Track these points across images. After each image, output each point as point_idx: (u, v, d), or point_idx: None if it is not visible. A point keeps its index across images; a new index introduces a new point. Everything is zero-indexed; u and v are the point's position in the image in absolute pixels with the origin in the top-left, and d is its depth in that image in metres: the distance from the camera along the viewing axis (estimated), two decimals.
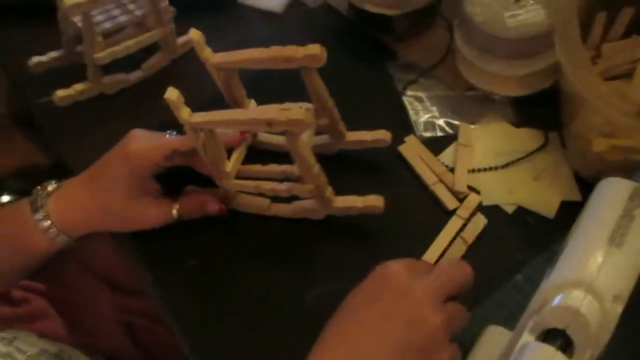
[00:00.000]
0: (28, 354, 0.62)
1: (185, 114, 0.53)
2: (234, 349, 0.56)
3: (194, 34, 0.56)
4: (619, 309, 0.33)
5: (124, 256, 0.66)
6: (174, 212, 0.60)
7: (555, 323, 0.33)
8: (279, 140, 0.65)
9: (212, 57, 0.57)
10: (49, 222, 0.59)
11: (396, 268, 0.48)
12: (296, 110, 0.49)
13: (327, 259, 0.61)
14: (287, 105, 0.62)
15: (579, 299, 0.33)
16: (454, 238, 0.60)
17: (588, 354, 0.33)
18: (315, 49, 0.53)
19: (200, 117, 0.53)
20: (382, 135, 0.64)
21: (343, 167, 0.66)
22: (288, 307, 0.58)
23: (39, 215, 0.59)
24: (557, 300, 0.33)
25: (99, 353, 0.71)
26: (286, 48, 0.54)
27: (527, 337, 0.34)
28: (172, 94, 0.52)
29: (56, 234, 0.60)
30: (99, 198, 0.59)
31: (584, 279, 0.33)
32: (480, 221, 0.61)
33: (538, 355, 0.32)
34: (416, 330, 0.45)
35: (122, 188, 0.58)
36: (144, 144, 0.58)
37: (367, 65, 0.75)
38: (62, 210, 0.59)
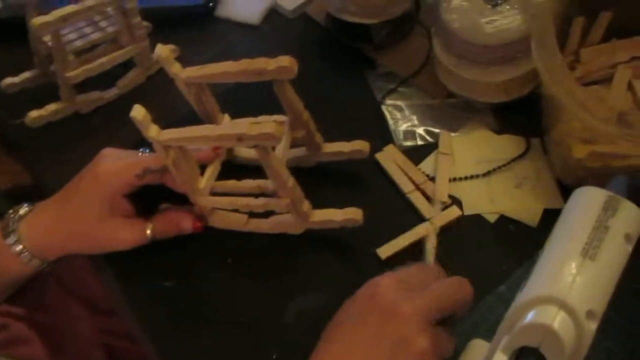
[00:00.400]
0: None
1: (152, 132, 0.51)
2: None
3: (160, 50, 0.55)
4: (593, 325, 0.32)
5: (100, 276, 0.65)
6: (148, 232, 0.58)
7: (527, 341, 0.32)
8: (255, 154, 0.64)
9: (181, 73, 0.56)
10: (20, 246, 0.58)
11: (385, 285, 0.46)
12: (266, 124, 0.48)
13: (307, 272, 0.60)
14: (261, 118, 0.61)
15: (551, 315, 0.31)
16: (418, 241, 0.59)
17: None
18: (285, 61, 0.52)
19: (169, 134, 0.52)
20: (360, 146, 0.62)
21: (322, 179, 0.64)
22: (268, 323, 0.57)
23: (11, 240, 0.58)
24: (529, 317, 0.32)
25: None
26: (256, 61, 0.53)
27: (499, 356, 0.32)
28: (138, 112, 0.50)
29: (29, 259, 0.58)
30: (70, 220, 0.57)
31: (556, 295, 0.32)
32: (455, 212, 0.60)
33: None
34: (403, 353, 0.43)
35: (92, 209, 0.56)
36: (115, 163, 0.57)
37: (345, 74, 0.74)
38: (34, 233, 0.58)
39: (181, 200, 0.61)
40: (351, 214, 0.57)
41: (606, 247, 0.33)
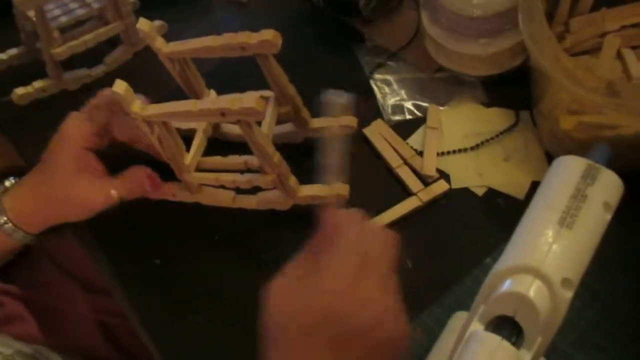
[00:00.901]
0: (4, 354, 0.61)
1: (135, 107, 0.51)
2: (202, 348, 0.55)
3: (142, 24, 0.54)
4: (569, 294, 0.31)
5: (90, 255, 0.65)
6: (113, 192, 0.58)
7: (504, 310, 0.32)
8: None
9: (164, 47, 0.55)
10: (4, 218, 0.59)
11: (274, 291, 0.42)
12: (249, 98, 0.48)
13: (295, 248, 0.59)
14: (246, 94, 0.60)
15: (526, 284, 0.31)
16: (403, 216, 0.59)
17: (539, 341, 0.31)
18: (268, 35, 0.51)
19: (152, 109, 0.51)
20: (348, 121, 0.62)
21: (309, 155, 0.64)
22: (256, 299, 0.57)
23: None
24: (505, 286, 0.32)
25: (76, 354, 0.70)
26: (239, 35, 0.52)
27: (476, 325, 0.32)
28: (120, 87, 0.50)
29: (12, 230, 0.59)
30: (44, 185, 0.59)
31: (532, 264, 0.31)
32: (442, 186, 0.60)
33: (484, 345, 0.30)
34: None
35: (62, 169, 0.58)
36: (77, 122, 0.58)
37: (334, 49, 0.73)
38: (15, 204, 0.59)
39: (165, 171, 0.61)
40: (338, 190, 0.57)
41: (584, 216, 0.33)
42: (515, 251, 0.33)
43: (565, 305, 0.31)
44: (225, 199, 0.60)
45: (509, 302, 0.31)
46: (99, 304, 0.74)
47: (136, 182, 0.60)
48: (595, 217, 0.33)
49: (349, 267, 0.40)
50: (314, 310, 0.39)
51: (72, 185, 0.58)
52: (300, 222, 0.60)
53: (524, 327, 0.31)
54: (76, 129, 0.58)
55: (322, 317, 0.38)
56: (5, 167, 1.05)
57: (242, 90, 0.63)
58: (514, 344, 0.31)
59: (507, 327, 0.31)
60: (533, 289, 0.31)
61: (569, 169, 0.36)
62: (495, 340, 0.30)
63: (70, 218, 0.61)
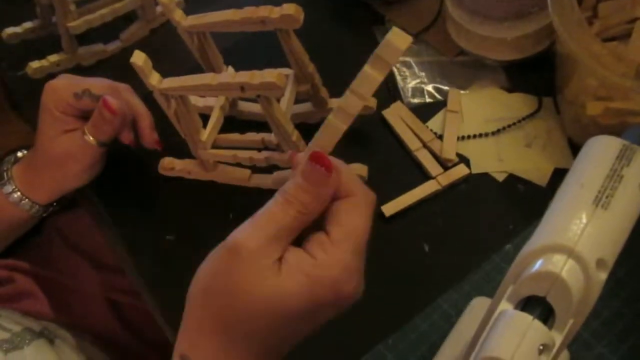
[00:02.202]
0: (12, 331, 0.60)
1: (153, 79, 0.50)
2: None
3: None
4: (603, 275, 0.30)
5: (103, 231, 0.64)
6: (89, 138, 0.58)
7: (534, 290, 0.31)
8: (259, 109, 0.62)
9: (183, 21, 0.54)
10: (12, 187, 0.60)
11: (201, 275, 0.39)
12: (269, 73, 0.47)
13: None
14: (265, 71, 0.59)
15: (559, 263, 0.30)
16: (423, 200, 0.58)
17: (570, 322, 0.30)
18: (290, 9, 0.50)
19: (170, 82, 0.50)
20: (368, 102, 0.61)
21: None
22: None
23: (8, 188, 0.60)
24: (537, 265, 0.31)
25: (85, 331, 0.70)
26: (260, 8, 0.51)
27: (505, 305, 0.31)
28: (138, 58, 0.49)
29: (19, 199, 0.60)
30: (37, 152, 0.59)
31: (565, 243, 0.30)
32: (462, 170, 0.59)
33: (515, 324, 0.29)
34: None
35: (45, 130, 0.58)
36: (62, 80, 0.58)
37: (354, 30, 0.72)
38: (23, 174, 0.60)
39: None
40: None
41: (619, 197, 0.32)
42: (548, 230, 0.32)
43: (598, 287, 0.30)
44: (241, 177, 0.59)
45: (541, 282, 0.30)
46: (109, 282, 0.74)
47: (97, 114, 0.58)
48: (630, 199, 0.32)
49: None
50: None
51: (54, 144, 0.58)
52: None
53: (556, 308, 0.30)
54: (52, 95, 0.58)
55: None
56: (18, 145, 1.05)
57: (258, 67, 0.62)
58: (545, 324, 0.30)
59: (537, 307, 0.30)
60: (566, 269, 0.30)
61: (604, 149, 0.34)
62: (527, 320, 0.29)
63: (69, 181, 0.61)
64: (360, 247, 0.36)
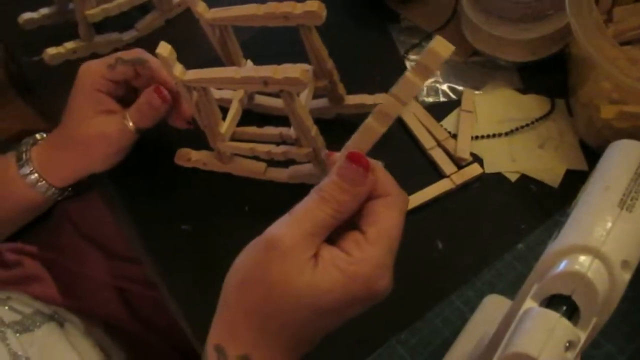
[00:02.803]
0: (24, 313, 0.61)
1: (177, 70, 0.51)
2: None
3: None
4: (627, 275, 0.31)
5: (117, 219, 0.65)
6: (128, 123, 0.58)
7: (560, 289, 0.32)
8: (277, 103, 0.63)
9: (206, 13, 0.55)
10: (30, 168, 0.60)
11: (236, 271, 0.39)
12: (293, 68, 0.47)
13: None
14: (284, 66, 0.60)
15: (586, 264, 0.31)
16: (436, 198, 0.59)
17: (594, 321, 0.31)
18: (313, 5, 0.50)
19: (193, 74, 0.51)
20: (383, 99, 0.61)
21: (341, 131, 0.63)
22: None
23: (26, 170, 0.60)
24: (562, 265, 0.31)
25: (93, 318, 0.70)
26: (283, 4, 0.51)
27: (530, 303, 0.32)
28: (164, 49, 0.49)
29: (36, 181, 0.60)
30: (65, 132, 0.59)
31: (591, 244, 0.31)
32: (476, 170, 0.59)
33: (541, 321, 0.30)
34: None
35: (77, 112, 0.58)
36: (89, 67, 0.59)
37: (369, 27, 0.72)
38: (41, 156, 0.60)
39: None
40: None
41: None
42: (575, 231, 0.32)
43: (623, 287, 0.31)
44: (256, 170, 0.60)
45: (567, 281, 0.31)
46: (120, 271, 0.74)
47: (144, 101, 0.58)
48: None
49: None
50: None
51: (88, 124, 0.58)
52: None
53: (581, 306, 0.31)
54: (88, 73, 0.58)
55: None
56: (20, 129, 1.05)
57: (276, 61, 0.63)
58: (569, 321, 0.31)
59: (563, 305, 0.31)
60: (592, 269, 0.31)
61: (627, 152, 0.35)
62: (554, 317, 0.30)
63: (93, 164, 0.61)
64: (394, 246, 0.38)
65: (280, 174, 0.60)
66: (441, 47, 0.36)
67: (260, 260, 0.37)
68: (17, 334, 0.57)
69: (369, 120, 0.40)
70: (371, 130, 0.40)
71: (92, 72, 0.58)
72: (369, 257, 0.36)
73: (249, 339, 0.37)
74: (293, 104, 0.50)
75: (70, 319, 0.67)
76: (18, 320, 0.60)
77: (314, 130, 0.53)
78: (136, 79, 0.60)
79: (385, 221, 0.37)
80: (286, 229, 0.37)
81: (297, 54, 0.57)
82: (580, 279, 0.31)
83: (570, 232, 0.33)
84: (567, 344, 0.30)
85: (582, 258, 0.31)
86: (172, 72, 0.50)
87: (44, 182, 0.60)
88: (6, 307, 0.61)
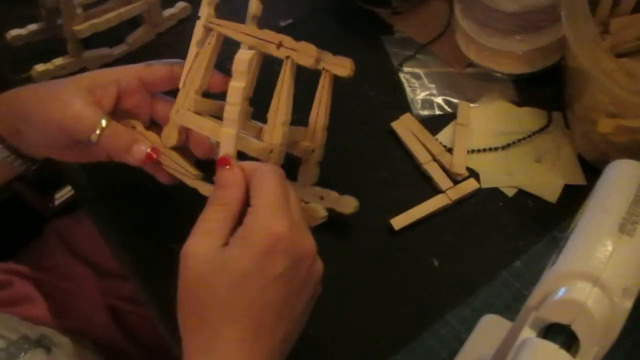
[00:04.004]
0: (10, 340, 0.59)
1: (205, 11, 0.53)
2: None
3: None
4: (628, 303, 0.30)
5: (106, 237, 0.64)
6: (103, 120, 0.51)
7: (558, 318, 0.30)
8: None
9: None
10: None
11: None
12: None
13: (318, 240, 0.58)
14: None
15: (585, 292, 0.30)
16: (432, 214, 0.58)
17: (594, 350, 0.30)
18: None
19: (217, 22, 0.53)
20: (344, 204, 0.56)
21: (336, 146, 0.62)
22: None
23: None
24: (560, 293, 0.30)
25: (85, 337, 0.69)
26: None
27: (528, 332, 0.31)
28: None
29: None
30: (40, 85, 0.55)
31: (591, 271, 0.30)
32: (472, 185, 0.58)
33: (539, 353, 0.29)
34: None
35: (71, 80, 0.54)
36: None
37: (361, 39, 0.72)
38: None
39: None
40: (348, 201, 0.55)
41: None
42: (573, 257, 0.31)
43: (624, 315, 0.30)
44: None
45: (565, 309, 0.30)
46: (111, 289, 0.73)
47: (126, 137, 0.53)
48: None
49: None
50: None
51: (69, 92, 0.52)
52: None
53: (580, 336, 0.30)
54: (129, 68, 0.56)
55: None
56: None
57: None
58: (568, 352, 0.30)
59: (561, 335, 0.30)
60: (592, 298, 0.30)
61: (626, 173, 0.34)
62: (552, 349, 0.29)
63: (46, 131, 0.53)
64: (279, 199, 0.43)
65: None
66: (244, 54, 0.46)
67: (180, 276, 0.43)
68: None
69: (222, 129, 0.48)
70: (227, 136, 0.47)
71: (130, 68, 0.55)
72: (257, 214, 0.42)
73: (202, 346, 0.42)
74: (289, 75, 0.51)
75: (59, 341, 0.65)
76: (3, 347, 0.58)
77: (285, 118, 0.52)
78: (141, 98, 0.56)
79: (260, 187, 0.43)
80: (189, 239, 0.43)
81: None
82: (580, 309, 0.30)
83: (569, 258, 0.31)
84: None
85: (581, 285, 0.30)
86: (203, 9, 0.53)
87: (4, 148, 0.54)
88: None
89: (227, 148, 0.47)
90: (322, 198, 0.56)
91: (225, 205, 0.44)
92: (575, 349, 0.30)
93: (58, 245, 0.76)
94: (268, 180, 0.44)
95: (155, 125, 0.57)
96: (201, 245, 0.42)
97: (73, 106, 0.52)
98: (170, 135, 0.55)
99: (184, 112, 0.54)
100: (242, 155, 0.50)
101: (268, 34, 0.52)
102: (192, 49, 0.55)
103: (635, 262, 0.31)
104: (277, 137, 0.51)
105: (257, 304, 0.41)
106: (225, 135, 0.48)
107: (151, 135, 0.55)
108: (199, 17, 0.55)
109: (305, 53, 0.51)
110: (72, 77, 0.55)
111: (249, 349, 0.41)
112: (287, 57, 0.50)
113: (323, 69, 0.52)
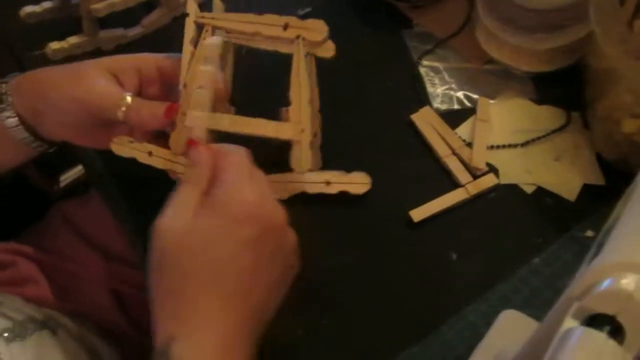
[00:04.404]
0: (15, 320, 0.58)
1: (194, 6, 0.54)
2: None
3: None
4: None
5: (118, 224, 0.62)
6: (128, 97, 0.52)
7: (604, 308, 0.30)
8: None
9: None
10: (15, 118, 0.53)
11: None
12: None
13: (338, 232, 0.57)
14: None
15: (632, 283, 0.29)
16: (451, 208, 0.57)
17: None
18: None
19: (211, 16, 0.53)
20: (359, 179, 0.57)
21: (357, 139, 0.62)
22: (295, 283, 0.54)
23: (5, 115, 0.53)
24: (607, 283, 0.30)
25: (88, 321, 0.68)
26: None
27: (571, 323, 0.30)
28: None
29: (16, 123, 0.54)
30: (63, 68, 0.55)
31: (638, 262, 0.30)
32: (491, 180, 0.58)
33: (587, 342, 0.29)
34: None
35: (95, 62, 0.54)
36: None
37: (381, 33, 0.71)
38: (21, 89, 0.54)
39: None
40: (359, 178, 0.56)
41: None
42: (620, 247, 0.31)
43: None
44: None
45: (612, 300, 0.30)
46: (115, 273, 0.72)
47: (150, 106, 0.53)
48: None
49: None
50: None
51: (92, 73, 0.52)
52: (344, 206, 0.57)
53: (626, 327, 0.29)
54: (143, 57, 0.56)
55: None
56: None
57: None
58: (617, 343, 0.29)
59: (607, 325, 0.30)
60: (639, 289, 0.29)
61: None
62: (601, 338, 0.28)
63: (73, 106, 0.53)
64: (245, 171, 0.46)
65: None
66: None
67: (155, 252, 0.45)
68: (8, 342, 0.55)
69: (192, 111, 0.51)
70: (196, 118, 0.51)
71: (148, 58, 0.55)
72: (224, 186, 0.45)
73: (178, 323, 0.44)
74: (302, 55, 0.50)
75: (63, 322, 0.64)
76: (9, 327, 0.57)
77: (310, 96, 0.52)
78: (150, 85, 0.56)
79: (228, 163, 0.47)
80: (162, 215, 0.45)
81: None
82: (627, 299, 0.29)
83: (616, 248, 0.31)
84: None
85: (629, 276, 0.30)
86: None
87: (23, 127, 0.54)
88: None
89: (197, 130, 0.51)
90: (328, 183, 0.55)
91: (195, 183, 0.46)
92: (621, 339, 0.30)
93: (63, 227, 0.75)
94: (233, 156, 0.47)
95: (160, 138, 0.56)
96: (174, 219, 0.45)
97: (96, 85, 0.52)
98: (180, 142, 0.53)
99: (192, 114, 0.52)
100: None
101: (270, 18, 0.52)
102: (187, 47, 0.53)
103: None
104: (306, 116, 0.50)
105: (229, 269, 0.44)
106: (194, 117, 0.50)
107: (158, 150, 0.55)
108: (187, 14, 0.54)
109: (315, 30, 0.50)
110: (92, 60, 0.54)
111: (224, 314, 0.43)
112: (298, 37, 0.50)
113: (297, 36, 0.52)
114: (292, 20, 0.51)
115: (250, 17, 0.52)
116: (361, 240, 0.56)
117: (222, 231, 0.44)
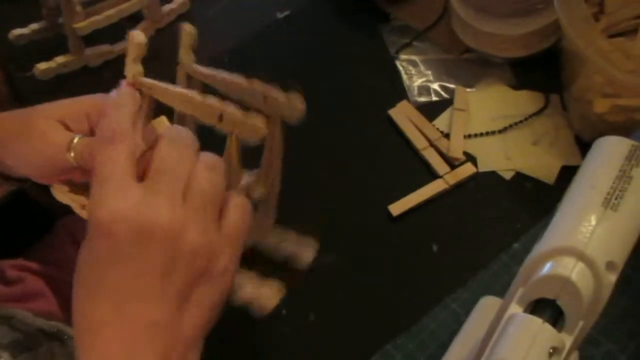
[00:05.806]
0: (26, 333, 0.61)
1: (130, 71, 0.46)
2: (225, 340, 0.54)
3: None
4: (613, 277, 0.30)
5: None
6: (75, 139, 0.49)
7: (544, 293, 0.31)
8: None
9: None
10: None
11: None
12: (258, 118, 0.39)
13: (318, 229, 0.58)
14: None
15: (569, 266, 0.30)
16: (430, 199, 0.58)
17: (580, 325, 0.30)
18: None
19: (150, 81, 0.46)
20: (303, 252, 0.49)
21: (336, 132, 0.63)
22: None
23: None
24: (546, 268, 0.31)
25: None
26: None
27: (515, 308, 0.31)
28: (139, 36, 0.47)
29: None
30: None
31: (575, 245, 0.30)
32: (469, 169, 0.59)
33: (525, 327, 0.30)
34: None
35: (47, 106, 0.52)
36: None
37: (358, 28, 0.72)
38: None
39: None
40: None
41: (629, 198, 0.32)
42: (558, 233, 0.32)
43: (608, 289, 0.30)
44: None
45: (551, 285, 0.31)
46: None
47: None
48: None
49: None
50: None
51: (42, 121, 0.50)
52: (324, 201, 0.59)
53: (566, 310, 0.30)
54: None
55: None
56: None
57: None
58: (554, 327, 0.30)
59: (547, 310, 0.31)
60: (576, 272, 0.30)
61: (612, 149, 0.34)
62: (537, 323, 0.29)
63: (27, 163, 0.52)
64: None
65: None
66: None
67: (100, 251, 0.38)
68: (15, 357, 0.57)
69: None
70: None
71: (95, 101, 0.52)
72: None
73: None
74: (276, 130, 0.41)
75: (72, 333, 0.66)
76: (20, 339, 0.59)
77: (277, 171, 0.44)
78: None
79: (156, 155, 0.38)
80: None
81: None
82: (564, 283, 0.30)
83: (554, 234, 0.32)
84: (551, 350, 0.29)
85: (566, 261, 0.30)
86: (127, 68, 0.46)
87: None
88: (8, 327, 0.61)
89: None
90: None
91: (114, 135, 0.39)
92: (561, 323, 0.31)
93: (68, 241, 0.77)
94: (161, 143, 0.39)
95: None
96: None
97: (47, 136, 0.50)
98: None
99: None
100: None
101: (208, 105, 0.41)
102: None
103: (619, 236, 0.31)
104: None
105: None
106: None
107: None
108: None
109: (252, 129, 0.39)
110: (40, 108, 0.52)
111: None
112: (231, 132, 0.41)
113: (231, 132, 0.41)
114: (228, 110, 0.40)
115: (188, 94, 0.43)
116: (343, 236, 0.57)
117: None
